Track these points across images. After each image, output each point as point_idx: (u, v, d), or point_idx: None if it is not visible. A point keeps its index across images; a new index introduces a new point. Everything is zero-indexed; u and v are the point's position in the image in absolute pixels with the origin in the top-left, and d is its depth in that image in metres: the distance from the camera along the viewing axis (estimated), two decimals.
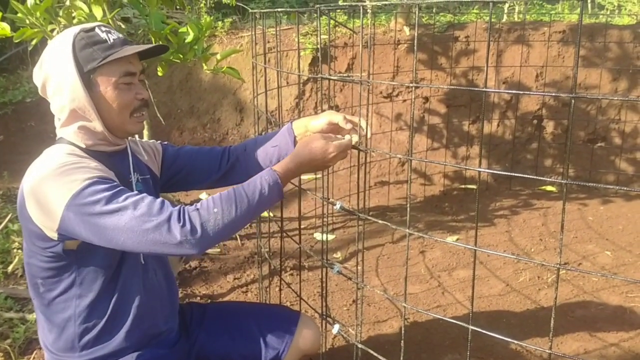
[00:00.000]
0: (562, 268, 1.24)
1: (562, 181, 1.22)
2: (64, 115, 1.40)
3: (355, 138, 1.61)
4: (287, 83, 4.90)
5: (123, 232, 1.26)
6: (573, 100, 1.18)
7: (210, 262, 3.13)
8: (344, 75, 4.75)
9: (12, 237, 3.28)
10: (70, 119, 1.40)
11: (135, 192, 1.34)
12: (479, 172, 1.29)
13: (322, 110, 1.73)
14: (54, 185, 1.30)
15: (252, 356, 1.74)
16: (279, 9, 2.29)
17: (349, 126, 1.62)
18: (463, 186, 4.49)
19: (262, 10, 2.40)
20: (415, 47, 1.32)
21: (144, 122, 1.54)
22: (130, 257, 1.50)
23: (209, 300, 2.75)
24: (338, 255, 3.30)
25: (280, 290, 2.47)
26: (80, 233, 1.30)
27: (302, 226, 3.69)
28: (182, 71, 5.38)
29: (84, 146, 1.42)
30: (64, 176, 1.31)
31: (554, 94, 1.22)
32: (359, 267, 1.74)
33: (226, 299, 2.79)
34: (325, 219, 1.88)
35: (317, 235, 3.55)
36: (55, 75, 1.39)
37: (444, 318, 1.46)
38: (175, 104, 5.37)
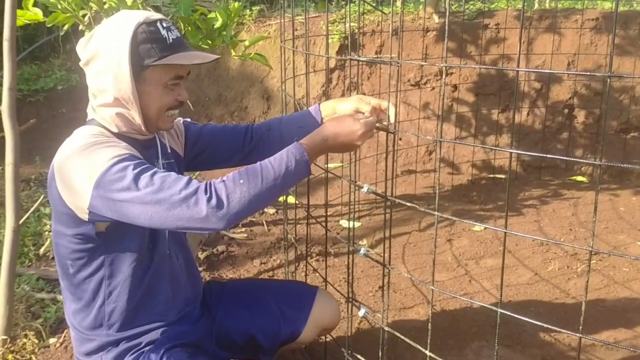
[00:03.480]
0: (595, 252, 1.22)
1: (596, 162, 1.20)
2: (105, 99, 1.40)
3: (392, 115, 1.61)
4: (314, 71, 4.89)
5: (149, 206, 1.27)
6: (609, 80, 1.16)
7: (237, 247, 3.15)
8: (373, 57, 4.72)
9: (44, 220, 3.34)
10: (110, 104, 1.40)
11: (162, 169, 1.35)
12: (510, 153, 1.27)
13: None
14: (83, 163, 1.32)
15: (272, 331, 1.76)
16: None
17: (380, 116, 1.62)
18: (492, 175, 4.44)
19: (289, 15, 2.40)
20: (446, 34, 1.31)
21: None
22: (160, 243, 1.53)
23: None
24: (364, 242, 3.30)
25: (306, 275, 2.48)
26: (110, 212, 1.31)
27: (328, 213, 3.68)
28: (213, 49, 5.40)
29: (116, 131, 1.44)
30: (92, 155, 1.32)
31: (588, 74, 1.20)
32: (387, 252, 1.73)
33: None
34: (352, 205, 1.88)
35: (343, 222, 3.55)
36: (107, 58, 1.37)
37: (472, 301, 1.45)
38: (203, 91, 5.40)
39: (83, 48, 1.42)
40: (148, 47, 1.38)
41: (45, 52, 6.31)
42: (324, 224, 2.01)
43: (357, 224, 3.53)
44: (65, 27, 2.75)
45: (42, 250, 3.08)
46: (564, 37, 4.47)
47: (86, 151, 1.33)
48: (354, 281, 2.82)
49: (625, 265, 2.96)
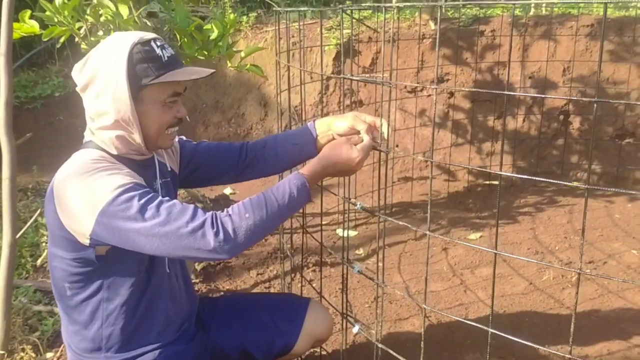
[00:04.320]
0: (583, 273, 1.24)
1: (585, 185, 1.21)
2: (104, 122, 1.41)
3: (385, 132, 1.62)
4: (311, 78, 4.91)
5: (157, 238, 1.29)
6: (595, 105, 1.17)
7: (233, 258, 3.16)
8: (367, 71, 4.74)
9: (41, 230, 3.35)
10: (110, 126, 1.41)
11: (167, 197, 1.36)
12: (500, 175, 1.29)
13: (346, 106, 1.74)
14: (84, 190, 1.32)
15: (265, 344, 1.77)
16: (303, 9, 2.29)
17: (371, 135, 1.63)
18: (487, 182, 4.46)
19: (286, 9, 2.41)
20: (437, 49, 1.32)
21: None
22: (158, 265, 1.54)
23: None
24: (360, 251, 3.31)
25: (302, 286, 2.49)
26: (113, 239, 1.32)
27: (325, 222, 3.70)
28: (207, 66, 5.41)
29: (115, 153, 1.44)
30: (95, 182, 1.32)
31: (576, 98, 1.21)
32: (380, 266, 1.75)
33: None
34: (346, 217, 1.89)
35: (340, 231, 3.56)
36: (104, 81, 1.38)
37: (463, 320, 1.47)
38: (201, 98, 5.41)
39: (78, 73, 1.43)
40: (144, 67, 1.39)
41: (43, 59, 6.32)
42: (320, 233, 2.02)
43: (353, 233, 3.54)
44: (62, 40, 2.76)
45: (39, 261, 3.10)
46: (559, 44, 4.49)
47: (89, 178, 1.33)
48: (350, 291, 2.83)
49: (619, 274, 2.98)
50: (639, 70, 4.37)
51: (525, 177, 1.26)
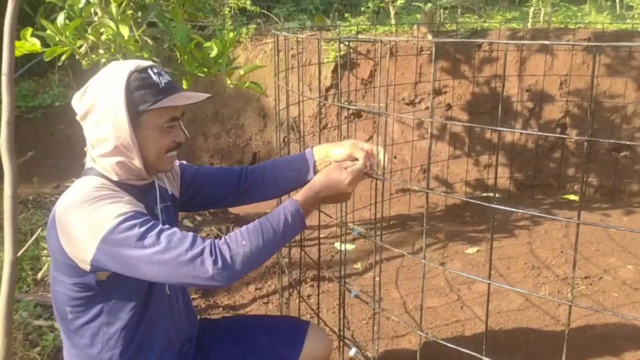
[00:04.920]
0: (574, 305, 1.27)
1: (575, 222, 1.24)
2: (105, 149, 1.44)
3: (382, 159, 1.66)
4: (310, 90, 4.94)
5: (157, 265, 1.32)
6: (586, 144, 1.20)
7: None
8: (366, 83, 4.77)
9: (42, 243, 3.37)
10: (111, 153, 1.44)
11: (167, 225, 1.39)
12: (494, 209, 1.32)
13: (344, 118, 1.77)
14: (87, 218, 1.35)
15: None
16: (299, 32, 2.32)
17: (369, 162, 1.66)
18: (485, 194, 4.49)
19: (285, 34, 2.44)
20: (433, 76, 1.35)
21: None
22: (158, 287, 1.56)
23: (231, 311, 2.82)
24: (358, 265, 3.34)
25: (299, 303, 2.52)
26: (114, 266, 1.36)
27: (323, 235, 3.73)
28: (207, 77, 5.45)
29: (116, 179, 1.48)
30: (97, 210, 1.36)
31: (567, 137, 1.24)
32: (378, 283, 1.77)
33: (247, 309, 2.85)
34: (344, 231, 1.92)
35: (338, 245, 3.59)
36: (104, 108, 1.41)
37: (457, 348, 1.49)
38: (200, 109, 5.45)
39: (78, 102, 1.46)
40: (142, 93, 1.43)
41: (43, 68, 6.34)
42: (318, 249, 2.04)
43: (351, 247, 3.57)
44: (63, 58, 2.79)
45: (39, 275, 3.12)
46: (556, 57, 4.52)
47: (90, 207, 1.37)
48: (348, 308, 2.86)
49: (614, 289, 3.01)
50: (635, 84, 4.40)
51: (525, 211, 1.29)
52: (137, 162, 1.46)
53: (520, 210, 1.27)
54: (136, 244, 1.32)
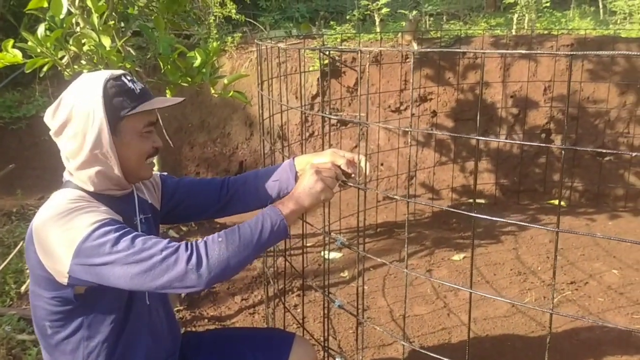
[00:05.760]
0: (555, 313, 1.27)
1: (554, 229, 1.24)
2: (82, 159, 1.43)
3: (363, 167, 1.64)
4: (296, 98, 4.94)
5: (130, 267, 1.30)
6: (563, 152, 1.21)
7: (218, 283, 3.17)
8: (352, 91, 4.78)
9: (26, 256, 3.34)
10: (89, 162, 1.43)
11: (142, 232, 1.38)
12: (474, 218, 1.32)
13: (331, 125, 1.77)
14: (62, 230, 1.34)
15: None
16: (285, 40, 2.32)
17: (350, 169, 1.65)
18: (471, 200, 4.51)
19: (267, 44, 2.44)
20: (412, 86, 1.35)
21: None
22: (138, 299, 1.55)
23: (217, 322, 2.80)
24: (345, 274, 3.33)
25: (284, 313, 2.50)
26: (90, 276, 1.34)
27: (310, 244, 3.72)
28: (192, 86, 5.44)
29: (92, 189, 1.47)
30: (72, 221, 1.34)
31: (545, 145, 1.25)
32: (363, 292, 1.77)
33: (233, 320, 2.84)
34: (328, 241, 1.92)
35: (325, 253, 3.58)
36: (81, 118, 1.41)
37: (441, 358, 1.49)
38: (186, 118, 5.43)
39: (52, 117, 1.45)
40: (120, 100, 1.43)
41: (27, 78, 6.30)
42: (304, 257, 2.04)
43: (338, 255, 3.56)
44: (45, 69, 2.77)
45: (23, 289, 3.09)
46: (540, 64, 4.56)
47: (66, 217, 1.36)
48: (334, 317, 2.85)
49: (600, 294, 3.02)
50: (617, 88, 4.44)
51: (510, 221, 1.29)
52: (116, 170, 1.46)
53: (499, 219, 1.27)
54: (110, 249, 1.30)
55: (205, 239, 1.37)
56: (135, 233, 1.35)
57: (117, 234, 1.32)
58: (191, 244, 1.34)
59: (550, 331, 1.31)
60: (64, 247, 1.33)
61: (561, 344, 2.57)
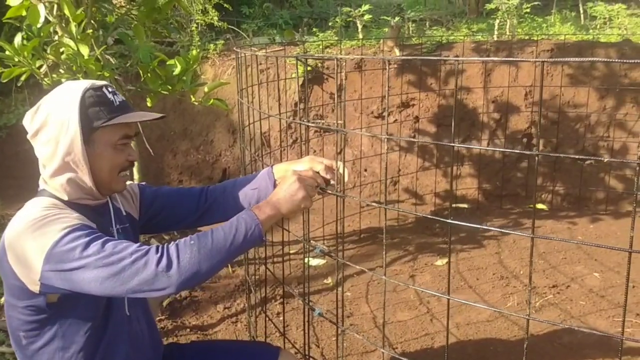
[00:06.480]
0: (532, 319, 1.27)
1: (530, 235, 1.25)
2: (55, 166, 1.42)
3: (341, 170, 1.64)
4: (280, 104, 4.93)
5: (101, 270, 1.29)
6: (538, 158, 1.22)
7: (200, 291, 3.15)
8: (334, 97, 4.78)
9: None
10: (61, 170, 1.42)
11: (118, 235, 1.37)
12: (449, 225, 1.32)
13: (315, 132, 1.77)
14: (33, 237, 1.33)
15: None
16: (267, 47, 2.32)
17: (329, 175, 1.65)
18: (454, 205, 4.52)
19: (246, 52, 2.44)
20: (387, 93, 1.36)
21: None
22: (116, 308, 1.53)
23: (199, 332, 2.78)
24: (329, 280, 3.33)
25: (266, 323, 2.49)
26: (61, 282, 1.32)
27: (293, 250, 3.71)
28: (173, 94, 5.42)
29: (66, 198, 1.45)
30: (43, 228, 1.33)
31: (516, 151, 1.25)
32: (344, 300, 1.76)
33: (216, 329, 2.82)
34: (308, 249, 1.91)
35: (309, 260, 3.57)
36: (56, 124, 1.40)
37: None
38: (169, 126, 5.40)
39: (30, 120, 1.44)
40: (97, 110, 1.43)
41: (8, 87, 6.24)
42: (286, 264, 2.03)
43: (321, 262, 3.56)
44: (23, 78, 2.75)
45: (2, 300, 3.05)
46: (521, 69, 4.59)
47: (37, 224, 1.35)
48: (317, 324, 2.84)
49: (581, 298, 3.04)
50: (597, 93, 4.49)
51: (488, 228, 1.29)
52: (87, 179, 1.44)
53: (476, 226, 1.27)
54: (80, 254, 1.29)
55: (177, 241, 1.36)
56: (107, 237, 1.34)
57: (88, 238, 1.31)
58: (162, 247, 1.33)
59: (528, 336, 1.32)
60: (35, 254, 1.32)
61: (543, 348, 2.58)
